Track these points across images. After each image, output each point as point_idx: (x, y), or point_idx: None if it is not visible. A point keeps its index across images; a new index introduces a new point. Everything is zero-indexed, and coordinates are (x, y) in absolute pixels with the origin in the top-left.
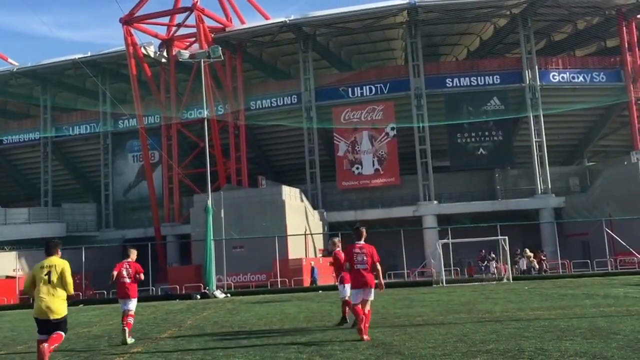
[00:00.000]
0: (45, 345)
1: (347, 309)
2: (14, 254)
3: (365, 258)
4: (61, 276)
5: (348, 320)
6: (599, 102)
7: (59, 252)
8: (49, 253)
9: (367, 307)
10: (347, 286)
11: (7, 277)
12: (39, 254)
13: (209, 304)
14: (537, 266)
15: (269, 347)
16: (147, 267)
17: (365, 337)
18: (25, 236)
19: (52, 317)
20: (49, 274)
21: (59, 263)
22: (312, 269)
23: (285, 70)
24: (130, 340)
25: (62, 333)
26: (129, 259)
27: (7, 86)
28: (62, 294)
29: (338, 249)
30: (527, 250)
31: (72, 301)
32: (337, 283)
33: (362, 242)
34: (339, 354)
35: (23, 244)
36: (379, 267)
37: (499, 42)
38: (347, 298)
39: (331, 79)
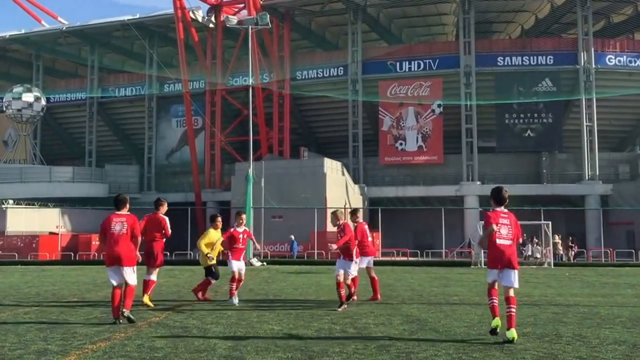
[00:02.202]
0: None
1: (343, 290)
2: (57, 211)
3: (510, 230)
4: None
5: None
6: None
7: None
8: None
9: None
10: (353, 264)
11: (51, 233)
12: (81, 212)
13: (246, 271)
14: (563, 253)
15: (303, 316)
16: (187, 231)
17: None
18: (69, 194)
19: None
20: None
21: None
22: (292, 242)
23: (333, 41)
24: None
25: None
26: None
27: (56, 45)
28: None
29: (344, 221)
30: (557, 237)
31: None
32: (342, 260)
33: (504, 209)
34: (373, 327)
35: (66, 202)
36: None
37: (555, 22)
38: (346, 277)
39: (379, 52)
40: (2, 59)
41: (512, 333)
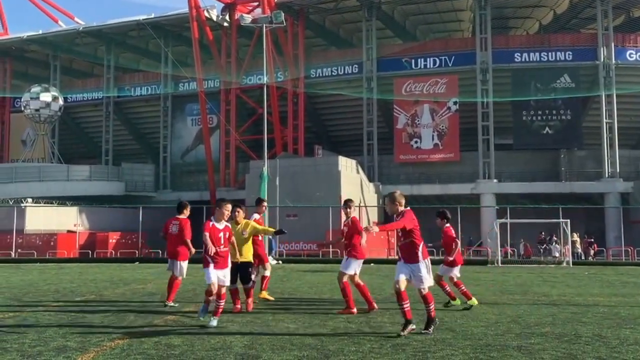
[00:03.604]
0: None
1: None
2: (75, 209)
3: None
4: (181, 230)
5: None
6: None
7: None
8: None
9: None
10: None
11: (69, 231)
12: (98, 210)
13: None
14: (582, 252)
15: (318, 315)
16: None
17: None
18: (86, 193)
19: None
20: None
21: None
22: (270, 241)
23: (347, 39)
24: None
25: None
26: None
27: (73, 45)
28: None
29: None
30: (575, 235)
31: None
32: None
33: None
34: (389, 326)
35: (84, 200)
36: None
37: (574, 17)
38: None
39: (394, 49)
40: (20, 59)
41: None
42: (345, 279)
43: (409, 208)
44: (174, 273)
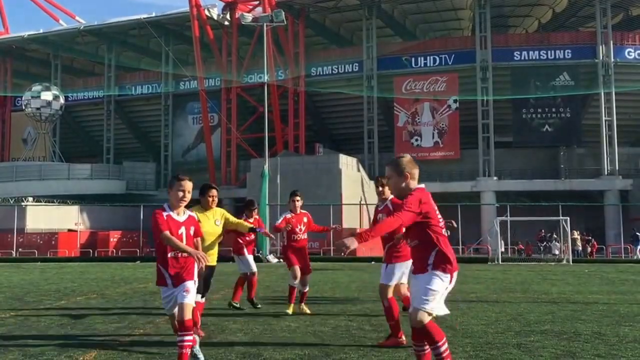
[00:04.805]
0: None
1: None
2: (76, 208)
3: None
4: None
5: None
6: None
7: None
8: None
9: None
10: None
11: (70, 230)
12: (99, 209)
13: (262, 268)
14: (582, 249)
15: (319, 314)
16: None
17: None
18: (87, 192)
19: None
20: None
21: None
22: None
23: (347, 38)
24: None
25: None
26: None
27: (74, 44)
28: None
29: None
30: (575, 232)
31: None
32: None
33: None
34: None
35: (85, 199)
36: None
37: (572, 15)
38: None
39: (394, 47)
40: (21, 58)
41: None
42: (389, 293)
43: (422, 186)
44: (243, 271)
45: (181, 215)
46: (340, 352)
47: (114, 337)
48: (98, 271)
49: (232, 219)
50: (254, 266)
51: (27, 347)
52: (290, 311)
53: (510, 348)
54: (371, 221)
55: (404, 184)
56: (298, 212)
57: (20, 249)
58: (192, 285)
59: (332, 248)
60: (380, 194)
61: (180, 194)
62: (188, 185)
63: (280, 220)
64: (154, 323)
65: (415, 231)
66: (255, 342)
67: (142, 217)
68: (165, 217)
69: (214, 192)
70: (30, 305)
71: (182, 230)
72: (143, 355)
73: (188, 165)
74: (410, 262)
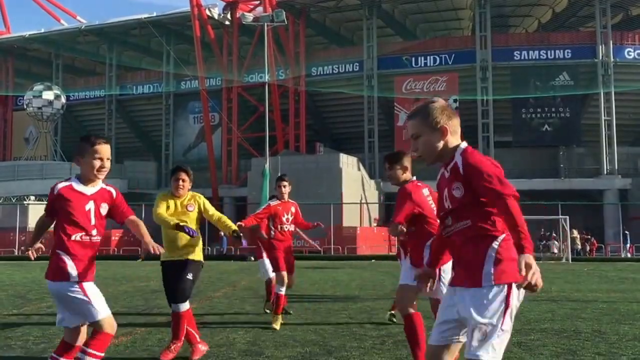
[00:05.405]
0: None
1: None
2: None
3: None
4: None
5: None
6: None
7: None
8: None
9: None
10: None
11: None
12: None
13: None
14: (581, 248)
15: (320, 312)
16: (204, 227)
17: None
18: None
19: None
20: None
21: None
22: (222, 239)
23: (348, 37)
24: None
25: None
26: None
27: (75, 43)
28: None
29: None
30: (574, 231)
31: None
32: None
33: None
34: (391, 323)
35: None
36: None
37: (572, 15)
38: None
39: (394, 47)
40: (22, 57)
41: None
42: (414, 299)
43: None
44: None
45: (92, 186)
46: (341, 350)
47: (116, 335)
48: (100, 269)
49: (212, 210)
50: (269, 272)
51: (30, 345)
52: (277, 326)
53: (510, 346)
54: (436, 209)
55: (440, 143)
56: (285, 199)
57: (22, 247)
58: (95, 291)
59: (332, 247)
60: (391, 178)
61: (98, 162)
62: (105, 150)
63: (262, 209)
64: (155, 321)
65: (467, 213)
66: (257, 340)
67: (143, 216)
68: (67, 187)
69: (181, 174)
70: (32, 303)
71: (90, 205)
72: (145, 352)
73: (189, 164)
74: (450, 264)
